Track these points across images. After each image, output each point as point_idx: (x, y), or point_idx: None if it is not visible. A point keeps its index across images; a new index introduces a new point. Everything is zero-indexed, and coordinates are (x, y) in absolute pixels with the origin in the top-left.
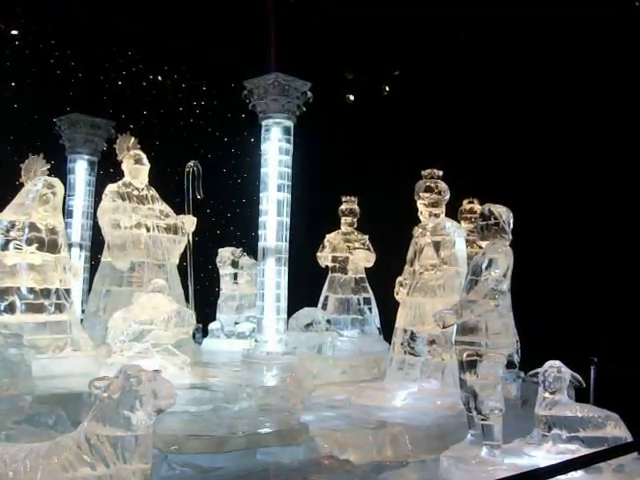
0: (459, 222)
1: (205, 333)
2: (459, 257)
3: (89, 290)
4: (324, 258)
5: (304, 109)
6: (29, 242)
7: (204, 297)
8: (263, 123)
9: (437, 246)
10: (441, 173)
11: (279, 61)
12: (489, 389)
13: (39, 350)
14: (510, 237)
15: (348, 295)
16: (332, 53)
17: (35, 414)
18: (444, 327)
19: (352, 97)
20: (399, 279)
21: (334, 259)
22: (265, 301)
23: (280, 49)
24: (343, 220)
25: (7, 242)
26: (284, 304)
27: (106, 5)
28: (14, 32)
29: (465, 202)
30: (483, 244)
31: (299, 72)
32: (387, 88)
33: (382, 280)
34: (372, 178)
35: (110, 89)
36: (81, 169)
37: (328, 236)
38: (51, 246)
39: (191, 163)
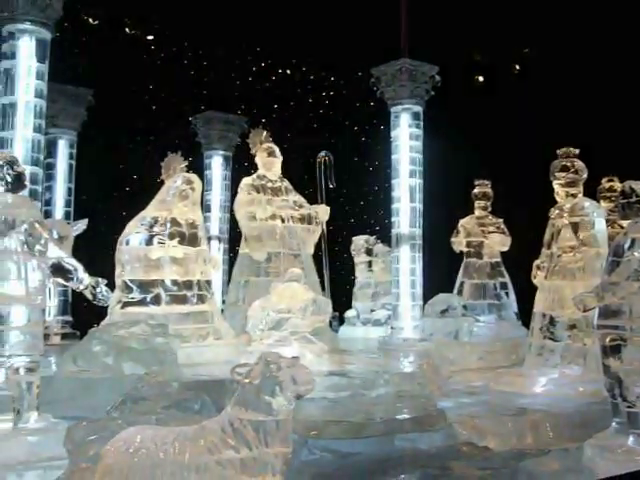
0: (598, 202)
1: (341, 321)
2: (599, 238)
3: (228, 281)
4: (458, 243)
5: (433, 93)
6: (171, 236)
7: (339, 285)
8: (392, 110)
9: (575, 227)
10: (577, 151)
11: (406, 46)
12: (635, 375)
13: (183, 339)
14: None
15: (484, 280)
16: (459, 34)
17: (182, 399)
18: (585, 311)
19: (481, 78)
20: (536, 262)
21: (469, 244)
22: (400, 288)
23: (407, 34)
24: (477, 204)
25: (151, 237)
26: (419, 290)
27: (232, 4)
28: (149, 37)
29: (604, 180)
30: (624, 223)
31: (426, 56)
32: (517, 67)
33: (519, 264)
34: (505, 160)
35: (241, 86)
36: (217, 164)
37: (462, 221)
38: (192, 240)
39: (322, 153)
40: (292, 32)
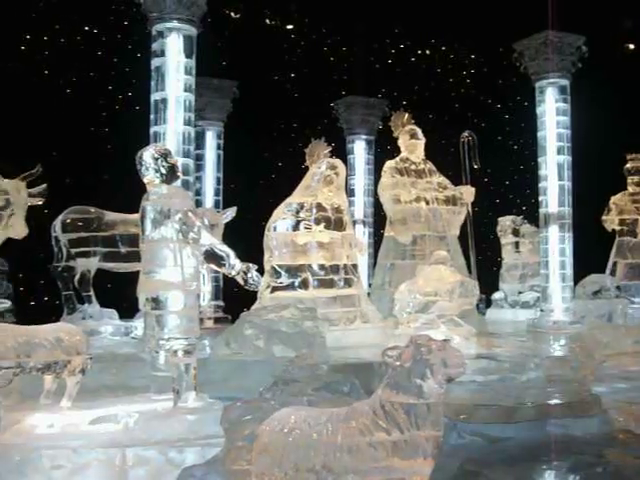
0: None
1: (488, 303)
2: None
3: (374, 264)
4: (610, 221)
5: (580, 65)
6: (317, 221)
7: (486, 267)
8: (537, 85)
9: None
10: None
11: (551, 17)
12: None
13: (332, 323)
14: None
15: (639, 260)
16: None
17: (331, 382)
18: None
19: (632, 46)
20: None
21: (621, 222)
22: (549, 269)
23: (552, 3)
24: (629, 180)
25: (297, 223)
26: (570, 271)
27: None
28: (289, 27)
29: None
30: None
31: (571, 26)
32: None
33: None
34: None
35: (381, 69)
36: (359, 149)
37: (614, 198)
38: (337, 224)
39: (466, 133)
40: (430, 11)
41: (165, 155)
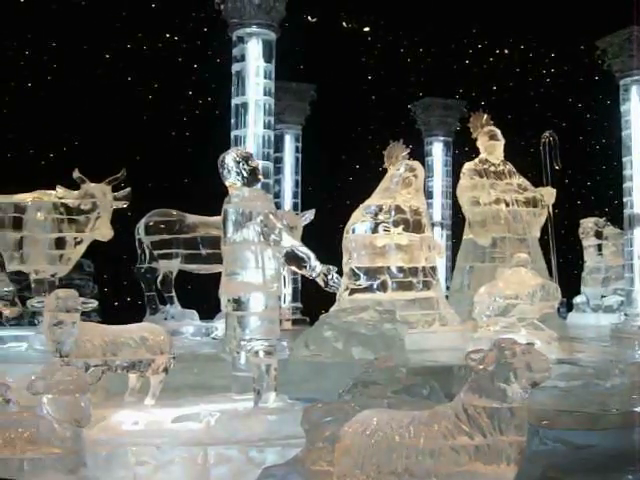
0: None
1: (569, 307)
2: None
3: (452, 267)
4: None
5: None
6: (396, 224)
7: (567, 270)
8: (621, 83)
9: None
10: None
11: (633, 13)
12: None
13: (410, 325)
14: None
15: None
16: None
17: (411, 385)
18: None
19: None
20: None
21: None
22: (634, 272)
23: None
24: None
25: (376, 225)
26: None
27: None
28: (365, 29)
29: None
30: None
31: None
32: None
33: None
34: None
35: (459, 69)
36: (437, 150)
37: None
38: (416, 226)
39: (547, 133)
40: (509, 9)
41: (246, 158)
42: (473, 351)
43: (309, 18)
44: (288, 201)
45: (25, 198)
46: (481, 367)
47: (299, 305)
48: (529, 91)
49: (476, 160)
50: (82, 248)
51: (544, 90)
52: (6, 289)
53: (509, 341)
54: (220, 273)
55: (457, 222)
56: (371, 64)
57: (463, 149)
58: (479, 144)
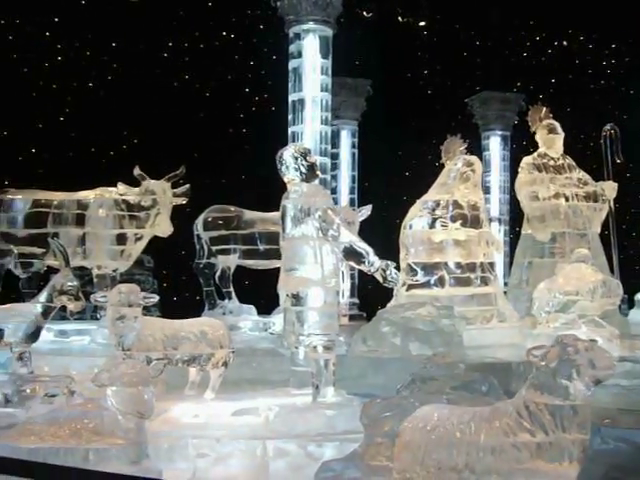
0: None
1: (631, 304)
2: None
3: (510, 263)
4: None
5: None
6: (453, 219)
7: (629, 266)
8: None
9: None
10: None
11: None
12: None
13: (468, 321)
14: None
15: None
16: None
17: (469, 381)
18: None
19: None
20: None
21: None
22: None
23: None
24: None
25: (433, 220)
26: None
27: None
28: (421, 23)
29: None
30: None
31: None
32: None
33: None
34: None
35: (517, 62)
36: (495, 145)
37: None
38: (474, 222)
39: (608, 126)
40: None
41: (305, 154)
42: (535, 347)
43: (364, 13)
44: (345, 197)
45: (87, 195)
46: (543, 363)
47: (356, 301)
48: (589, 83)
49: (535, 154)
50: (142, 244)
51: (604, 82)
52: (70, 284)
53: (571, 337)
54: (277, 268)
55: (515, 217)
56: (427, 58)
57: (521, 143)
58: (538, 138)
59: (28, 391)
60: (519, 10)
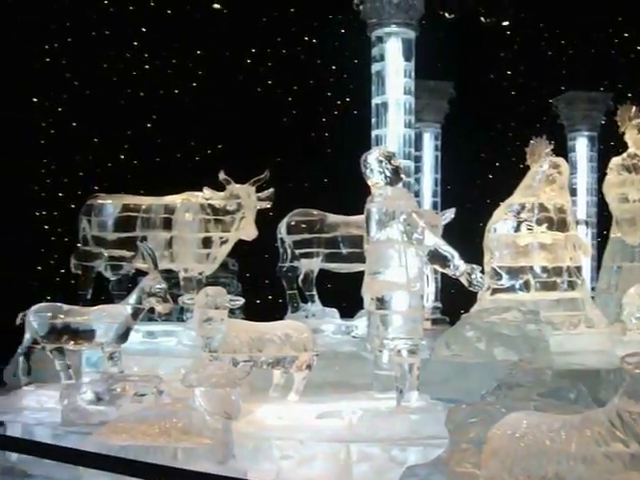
0: None
1: None
2: None
3: (598, 267)
4: None
5: None
6: (539, 222)
7: None
8: None
9: None
10: None
11: None
12: None
13: (554, 327)
14: None
15: None
16: None
17: (557, 388)
18: None
19: None
20: None
21: None
22: None
23: None
24: None
25: (519, 224)
26: None
27: None
28: (504, 23)
29: None
30: None
31: None
32: None
33: None
34: None
35: (604, 61)
36: (581, 146)
37: None
38: (560, 225)
39: None
40: None
41: (389, 158)
42: (629, 354)
43: (446, 15)
44: (428, 200)
45: (174, 200)
46: (637, 371)
47: (439, 305)
48: None
49: (624, 155)
50: (227, 247)
51: None
52: (159, 286)
53: None
54: (360, 272)
55: (603, 220)
56: (510, 59)
57: (609, 144)
58: (627, 138)
59: (118, 390)
60: (605, 6)
